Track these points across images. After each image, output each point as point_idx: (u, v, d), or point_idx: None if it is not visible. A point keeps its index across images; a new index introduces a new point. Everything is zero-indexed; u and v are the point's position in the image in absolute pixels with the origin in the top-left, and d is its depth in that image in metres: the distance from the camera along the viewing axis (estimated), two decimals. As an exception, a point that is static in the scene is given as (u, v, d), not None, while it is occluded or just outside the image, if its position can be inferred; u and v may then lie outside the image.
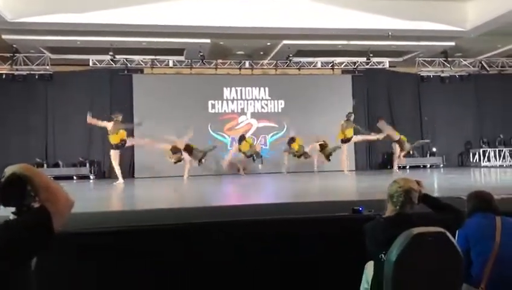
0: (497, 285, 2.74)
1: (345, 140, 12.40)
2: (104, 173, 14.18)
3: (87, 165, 13.67)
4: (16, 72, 13.59)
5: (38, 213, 1.72)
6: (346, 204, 4.12)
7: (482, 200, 3.04)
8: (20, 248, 1.65)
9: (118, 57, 13.48)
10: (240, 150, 12.96)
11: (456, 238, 2.82)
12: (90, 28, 11.16)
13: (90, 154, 14.08)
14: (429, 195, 2.89)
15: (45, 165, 13.35)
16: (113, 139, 10.47)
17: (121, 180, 10.56)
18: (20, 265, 1.67)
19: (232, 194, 8.66)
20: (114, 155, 10.66)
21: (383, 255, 2.49)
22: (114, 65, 13.78)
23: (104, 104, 14.25)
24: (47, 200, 1.73)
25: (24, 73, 13.69)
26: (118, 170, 10.70)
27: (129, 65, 14.13)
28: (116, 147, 10.58)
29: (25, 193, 1.72)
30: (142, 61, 14.21)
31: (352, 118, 12.53)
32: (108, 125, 10.55)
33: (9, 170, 1.74)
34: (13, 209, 1.72)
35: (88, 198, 7.23)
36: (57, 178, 12.19)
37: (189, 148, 11.89)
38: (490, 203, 3.01)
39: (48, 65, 13.64)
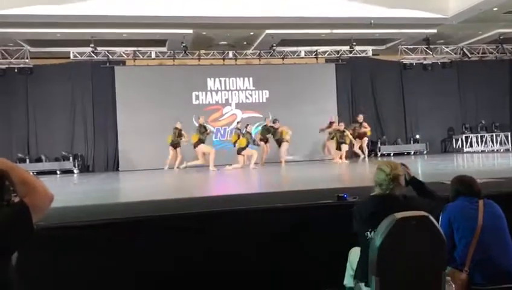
0: (480, 267, 2.78)
1: None
2: (88, 167, 14.03)
3: (71, 159, 13.50)
4: (-5, 66, 13.35)
5: (18, 208, 1.69)
6: (331, 191, 4.14)
7: (464, 185, 3.07)
8: (0, 243, 1.62)
9: (99, 49, 13.27)
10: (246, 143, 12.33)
11: (440, 222, 2.86)
12: (70, 20, 10.97)
13: (73, 148, 13.90)
14: (416, 178, 2.97)
15: (27, 160, 13.16)
16: (194, 138, 11.91)
17: (212, 167, 11.77)
18: (1, 260, 1.64)
19: (219, 185, 8.64)
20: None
21: (369, 233, 2.52)
22: (95, 57, 13.59)
23: (85, 97, 14.11)
24: (25, 194, 1.70)
25: (3, 67, 13.45)
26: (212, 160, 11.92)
27: (111, 57, 13.92)
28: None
29: (3, 188, 1.69)
30: (124, 53, 14.01)
31: None
32: None
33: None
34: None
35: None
36: (40, 173, 12.07)
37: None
38: (473, 187, 3.05)
39: (27, 58, 13.37)
